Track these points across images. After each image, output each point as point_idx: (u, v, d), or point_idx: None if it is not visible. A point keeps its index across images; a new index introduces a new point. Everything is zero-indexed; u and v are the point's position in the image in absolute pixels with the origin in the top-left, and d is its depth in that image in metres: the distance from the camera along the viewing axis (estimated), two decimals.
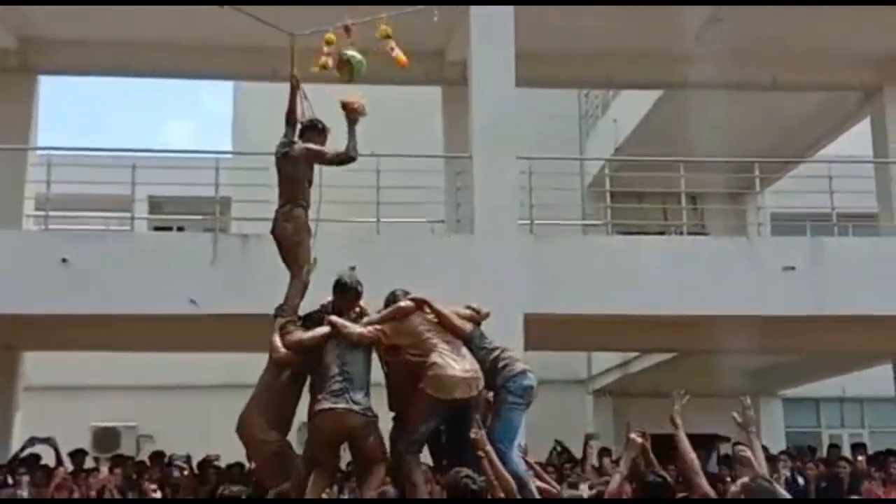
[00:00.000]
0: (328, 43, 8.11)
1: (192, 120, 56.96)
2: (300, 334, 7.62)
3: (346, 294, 7.97)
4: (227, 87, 23.37)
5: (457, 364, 6.97)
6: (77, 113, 43.75)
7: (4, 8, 14.02)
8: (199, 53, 15.54)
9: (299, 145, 8.10)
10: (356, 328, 7.35)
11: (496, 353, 7.44)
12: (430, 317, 7.50)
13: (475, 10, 13.24)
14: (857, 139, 16.98)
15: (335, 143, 8.22)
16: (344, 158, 8.02)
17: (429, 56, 14.72)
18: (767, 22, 14.30)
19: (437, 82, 16.07)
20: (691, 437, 16.28)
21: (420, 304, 7.43)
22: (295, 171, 8.10)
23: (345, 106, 8.14)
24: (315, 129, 8.29)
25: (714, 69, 14.53)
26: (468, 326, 7.49)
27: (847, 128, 17.51)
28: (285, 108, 8.32)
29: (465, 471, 6.01)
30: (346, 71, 8.35)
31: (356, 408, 6.98)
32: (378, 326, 7.34)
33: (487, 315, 8.05)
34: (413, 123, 16.62)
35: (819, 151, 17.90)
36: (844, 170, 15.42)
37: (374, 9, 8.18)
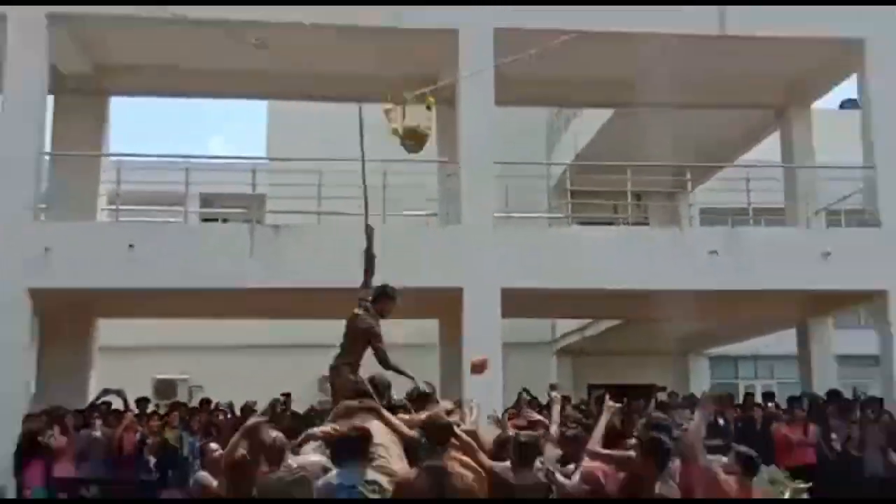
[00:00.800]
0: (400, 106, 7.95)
1: (233, 130, 56.84)
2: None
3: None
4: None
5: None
6: (141, 124, 43.64)
7: (84, 38, 14.03)
8: (238, 77, 15.33)
9: (366, 322, 7.52)
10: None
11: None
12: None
13: (462, 41, 13.33)
14: (769, 147, 17.27)
15: None
16: (385, 368, 7.37)
17: (424, 81, 14.57)
18: (699, 52, 14.22)
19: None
20: (635, 387, 17.13)
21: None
22: (355, 335, 7.52)
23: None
24: (387, 296, 7.90)
25: (655, 92, 14.73)
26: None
27: (762, 138, 17.69)
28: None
29: None
30: (417, 142, 8.33)
31: None
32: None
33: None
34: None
35: (739, 157, 18.11)
36: (758, 172, 15.66)
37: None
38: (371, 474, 5.60)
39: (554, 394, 8.24)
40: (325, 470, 5.88)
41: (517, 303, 13.19)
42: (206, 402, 14.20)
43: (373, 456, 5.85)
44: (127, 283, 12.73)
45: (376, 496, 5.48)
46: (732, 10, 13.84)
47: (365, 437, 5.79)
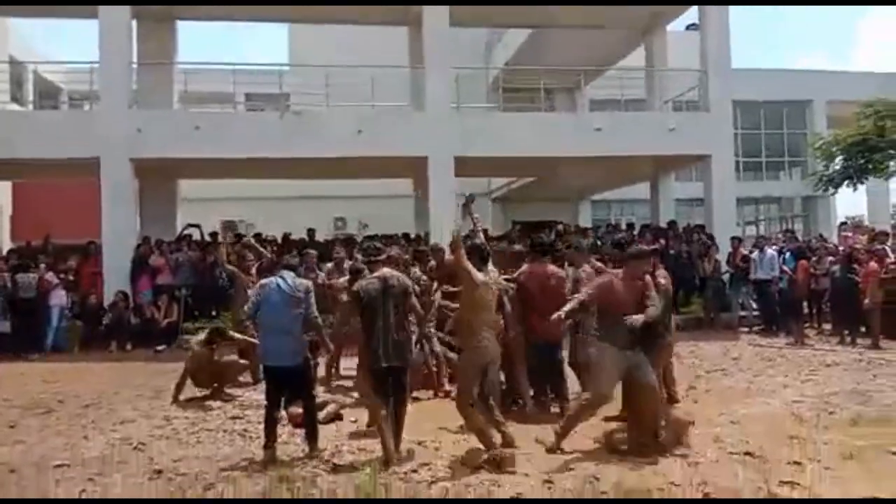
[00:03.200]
0: None
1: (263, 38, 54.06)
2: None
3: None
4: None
5: None
6: (201, 42, 41.52)
7: None
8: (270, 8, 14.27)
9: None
10: None
11: None
12: None
13: None
14: (637, 56, 16.46)
15: None
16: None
17: None
18: None
19: (403, 23, 14.89)
20: (543, 222, 17.13)
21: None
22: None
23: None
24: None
25: (561, 15, 14.62)
26: None
27: (632, 50, 16.69)
28: None
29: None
30: None
31: None
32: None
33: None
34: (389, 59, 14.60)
35: (617, 63, 17.00)
36: (629, 74, 15.55)
37: None
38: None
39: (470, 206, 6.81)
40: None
41: (465, 166, 13.15)
42: (257, 235, 13.73)
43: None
44: (196, 154, 12.47)
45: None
46: None
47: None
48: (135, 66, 13.24)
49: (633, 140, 13.37)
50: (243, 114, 15.54)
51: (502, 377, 5.96)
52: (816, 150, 16.84)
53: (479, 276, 4.96)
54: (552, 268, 6.26)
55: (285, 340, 5.00)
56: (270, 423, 5.03)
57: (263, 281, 5.36)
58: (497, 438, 4.88)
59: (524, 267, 6.33)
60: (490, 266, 5.31)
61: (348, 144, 12.53)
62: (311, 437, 5.15)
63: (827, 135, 17.53)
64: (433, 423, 5.74)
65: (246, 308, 5.26)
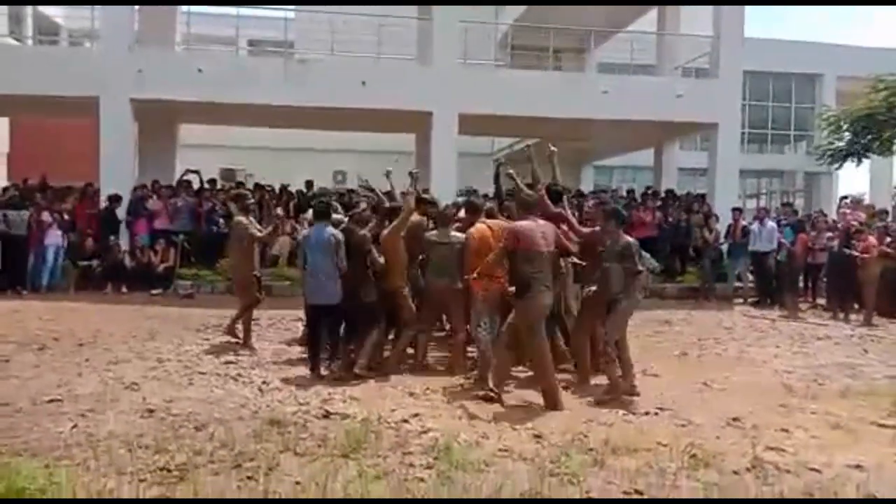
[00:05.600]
0: None
1: None
2: None
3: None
4: None
5: None
6: None
7: None
8: None
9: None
10: None
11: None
12: None
13: None
14: (647, 21, 15.95)
15: None
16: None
17: None
18: None
19: None
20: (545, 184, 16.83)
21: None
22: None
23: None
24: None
25: None
26: None
27: (644, 14, 15.97)
28: None
29: None
30: None
31: None
32: None
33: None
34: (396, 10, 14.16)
35: (628, 27, 16.40)
36: (639, 38, 15.36)
37: None
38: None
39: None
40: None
41: (469, 124, 13.01)
42: (257, 184, 14.00)
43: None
44: (197, 97, 12.25)
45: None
46: None
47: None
48: (137, 7, 12.93)
49: (639, 104, 13.18)
50: (247, 58, 15.22)
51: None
52: (824, 120, 16.61)
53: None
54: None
55: (323, 283, 5.79)
56: (314, 349, 5.94)
57: (304, 232, 6.10)
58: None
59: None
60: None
61: (352, 96, 12.36)
62: (342, 361, 5.86)
63: (836, 109, 17.30)
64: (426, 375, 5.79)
65: (298, 259, 6.13)
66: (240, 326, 7.27)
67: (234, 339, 7.22)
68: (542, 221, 5.23)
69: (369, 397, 5.18)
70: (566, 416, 4.82)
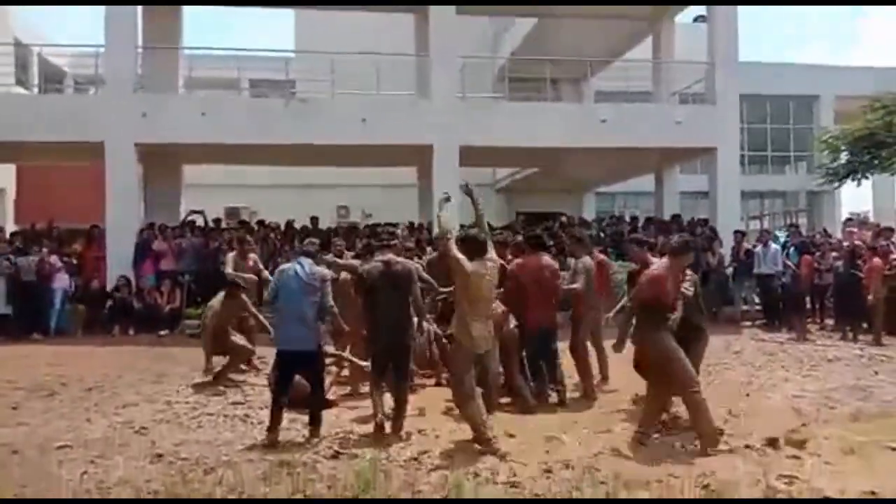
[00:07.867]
0: None
1: (270, 25, 52.89)
2: None
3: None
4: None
5: None
6: (208, 27, 41.03)
7: None
8: None
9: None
10: None
11: None
12: None
13: None
14: (644, 48, 16.27)
15: None
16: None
17: None
18: None
19: (410, 10, 14.58)
20: (547, 213, 17.12)
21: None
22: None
23: None
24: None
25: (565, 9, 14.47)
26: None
27: (639, 42, 16.45)
28: None
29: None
30: None
31: None
32: None
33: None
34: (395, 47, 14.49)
35: (624, 55, 16.91)
36: (635, 66, 15.54)
37: None
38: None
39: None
40: None
41: (470, 155, 13.07)
42: (261, 222, 14.07)
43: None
44: (200, 139, 12.44)
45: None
46: None
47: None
48: (140, 50, 13.16)
49: (638, 132, 13.29)
50: (248, 100, 15.31)
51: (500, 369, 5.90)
52: (822, 143, 16.71)
53: (469, 265, 4.88)
54: (546, 259, 6.21)
55: (300, 326, 5.05)
56: (277, 408, 5.08)
57: (282, 267, 5.35)
58: (491, 432, 4.79)
59: (518, 259, 6.35)
60: (492, 254, 5.19)
61: (353, 132, 12.50)
62: (315, 422, 5.17)
63: (834, 129, 17.41)
64: (434, 411, 5.75)
65: (266, 294, 5.32)
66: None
67: (235, 379, 7.30)
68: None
69: (378, 436, 5.13)
70: (576, 447, 4.78)
